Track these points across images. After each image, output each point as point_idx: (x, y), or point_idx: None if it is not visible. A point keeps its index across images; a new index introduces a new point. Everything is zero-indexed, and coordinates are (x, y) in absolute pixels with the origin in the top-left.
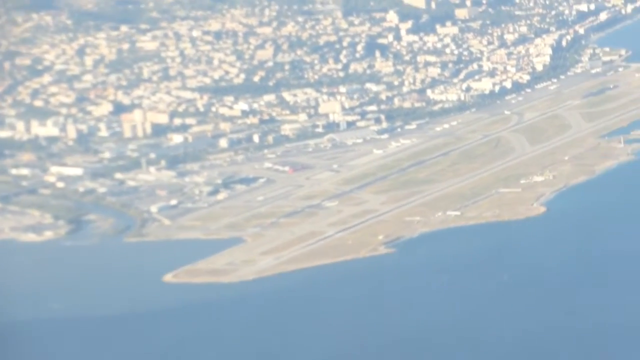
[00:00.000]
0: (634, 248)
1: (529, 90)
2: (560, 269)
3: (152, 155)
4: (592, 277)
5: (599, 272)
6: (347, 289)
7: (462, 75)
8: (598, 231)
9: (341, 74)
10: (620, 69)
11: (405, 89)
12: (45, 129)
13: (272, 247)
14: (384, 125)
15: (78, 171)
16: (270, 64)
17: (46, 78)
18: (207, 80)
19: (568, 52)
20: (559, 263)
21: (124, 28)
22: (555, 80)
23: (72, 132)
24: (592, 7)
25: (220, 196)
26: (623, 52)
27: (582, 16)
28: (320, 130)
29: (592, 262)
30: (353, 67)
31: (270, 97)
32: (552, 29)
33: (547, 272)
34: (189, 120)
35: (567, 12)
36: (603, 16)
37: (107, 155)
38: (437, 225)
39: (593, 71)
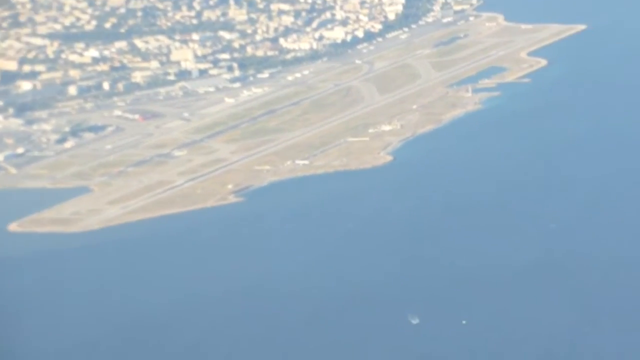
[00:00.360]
0: (475, 195)
1: (380, 39)
2: (403, 217)
3: (0, 103)
4: (434, 224)
5: (440, 218)
6: (192, 238)
7: (315, 24)
8: (441, 179)
9: (194, 21)
10: (471, 18)
11: (258, 38)
12: None
13: (120, 196)
14: (237, 73)
15: None
16: (123, 10)
17: None
18: (58, 27)
19: (420, 1)
20: (402, 211)
21: None
22: (406, 29)
23: None
24: None
25: (68, 144)
26: (474, 1)
27: None
28: (172, 78)
29: (434, 210)
30: (206, 14)
31: (121, 44)
32: None
33: (390, 220)
34: (39, 67)
35: None
36: None
37: None
38: (286, 174)
39: (444, 20)
